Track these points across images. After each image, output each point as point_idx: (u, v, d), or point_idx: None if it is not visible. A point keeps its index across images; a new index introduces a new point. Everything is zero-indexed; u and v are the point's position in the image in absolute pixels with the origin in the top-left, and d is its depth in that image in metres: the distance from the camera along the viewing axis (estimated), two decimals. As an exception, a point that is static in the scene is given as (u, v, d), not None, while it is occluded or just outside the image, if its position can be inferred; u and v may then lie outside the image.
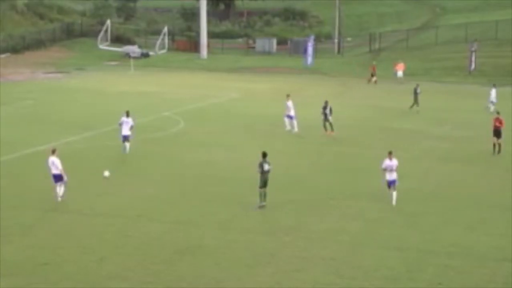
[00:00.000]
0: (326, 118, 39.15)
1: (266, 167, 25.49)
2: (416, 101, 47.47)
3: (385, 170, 25.99)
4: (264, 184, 25.50)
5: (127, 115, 33.83)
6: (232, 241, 22.17)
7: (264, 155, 25.65)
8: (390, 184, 26.02)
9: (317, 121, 41.47)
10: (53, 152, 26.18)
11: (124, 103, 50.00)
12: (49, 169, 26.04)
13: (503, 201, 26.92)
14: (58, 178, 25.83)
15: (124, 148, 33.63)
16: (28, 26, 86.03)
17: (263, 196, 25.51)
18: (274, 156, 33.68)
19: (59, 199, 25.74)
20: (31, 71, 70.58)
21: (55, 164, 25.80)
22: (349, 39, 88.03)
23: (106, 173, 28.86)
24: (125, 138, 33.57)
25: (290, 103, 39.86)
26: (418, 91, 47.52)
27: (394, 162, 25.90)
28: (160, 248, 21.41)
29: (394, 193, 25.92)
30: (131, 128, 33.70)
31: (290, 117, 39.85)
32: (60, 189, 25.87)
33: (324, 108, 39.21)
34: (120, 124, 33.74)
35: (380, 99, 54.34)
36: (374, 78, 63.05)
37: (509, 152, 34.83)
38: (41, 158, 29.65)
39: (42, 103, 50.51)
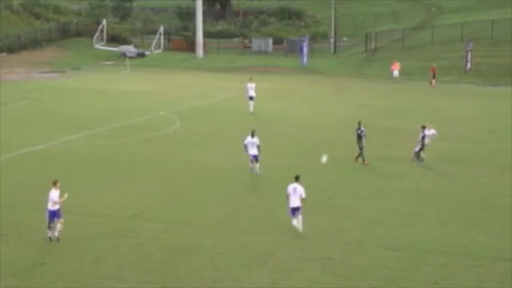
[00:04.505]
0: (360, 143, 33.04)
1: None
2: None
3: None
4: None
5: (252, 135, 30.60)
6: (228, 241, 22.16)
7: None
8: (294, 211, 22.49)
9: (312, 120, 41.53)
10: (55, 183, 21.80)
11: (120, 103, 50.21)
12: (47, 202, 21.84)
13: (499, 200, 26.95)
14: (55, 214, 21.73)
15: (253, 169, 30.54)
16: (24, 26, 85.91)
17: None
18: (270, 155, 33.84)
19: (56, 235, 21.78)
20: (27, 71, 70.50)
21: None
22: (345, 38, 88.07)
23: (324, 158, 29.74)
24: (255, 158, 30.52)
25: (250, 85, 45.26)
26: None
27: (298, 187, 22.40)
28: (157, 248, 21.39)
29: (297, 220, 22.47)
30: (258, 148, 30.54)
31: (251, 98, 45.13)
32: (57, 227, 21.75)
33: (358, 129, 33.08)
34: (245, 146, 30.65)
35: (376, 98, 54.33)
36: (433, 81, 61.55)
37: (505, 151, 34.92)
38: (38, 157, 29.68)
39: (38, 103, 50.43)
